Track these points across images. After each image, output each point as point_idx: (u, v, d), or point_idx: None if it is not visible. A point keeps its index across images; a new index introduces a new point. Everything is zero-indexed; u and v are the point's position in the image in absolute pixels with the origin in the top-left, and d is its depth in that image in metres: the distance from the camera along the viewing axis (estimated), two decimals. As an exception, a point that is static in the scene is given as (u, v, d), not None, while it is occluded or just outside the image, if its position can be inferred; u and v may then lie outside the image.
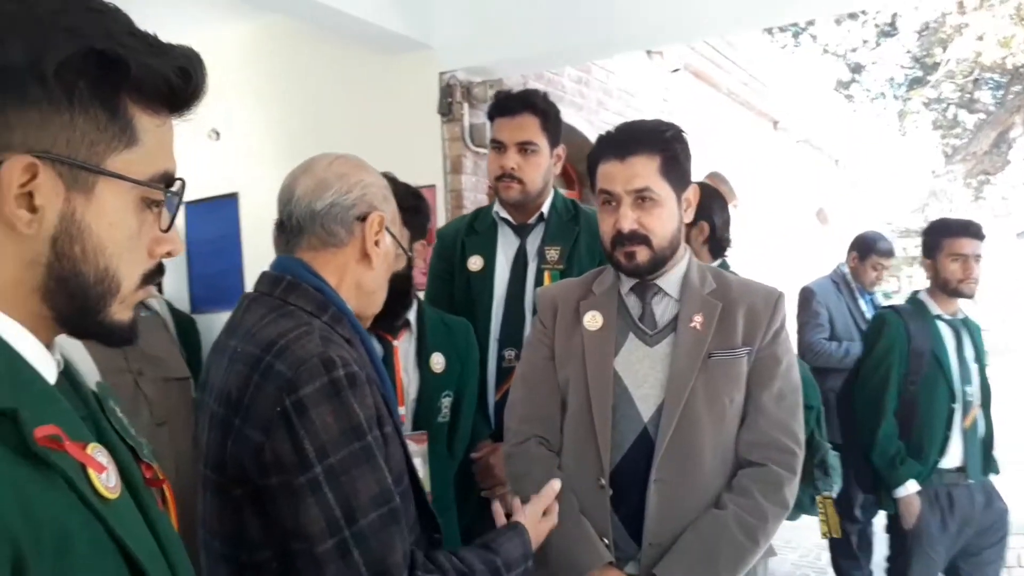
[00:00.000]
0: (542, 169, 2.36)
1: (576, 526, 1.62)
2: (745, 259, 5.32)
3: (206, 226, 4.89)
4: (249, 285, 1.38)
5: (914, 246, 16.54)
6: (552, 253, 2.36)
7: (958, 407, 2.78)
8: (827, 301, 4.06)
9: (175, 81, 0.73)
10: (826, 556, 4.20)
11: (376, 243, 1.37)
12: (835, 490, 2.43)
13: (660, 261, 1.67)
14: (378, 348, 2.05)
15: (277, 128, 4.47)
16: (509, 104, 2.36)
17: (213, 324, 1.40)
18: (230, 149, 4.69)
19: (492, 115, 2.40)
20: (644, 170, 1.62)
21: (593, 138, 1.77)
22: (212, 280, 4.90)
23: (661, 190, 1.63)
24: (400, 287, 1.91)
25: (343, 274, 1.36)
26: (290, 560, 1.18)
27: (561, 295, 1.80)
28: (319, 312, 1.29)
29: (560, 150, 2.43)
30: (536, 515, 1.47)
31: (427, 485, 1.85)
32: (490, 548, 1.35)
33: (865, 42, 15.94)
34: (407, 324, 2.09)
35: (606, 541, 1.61)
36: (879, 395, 2.86)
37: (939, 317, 2.87)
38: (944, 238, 2.85)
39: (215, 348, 1.35)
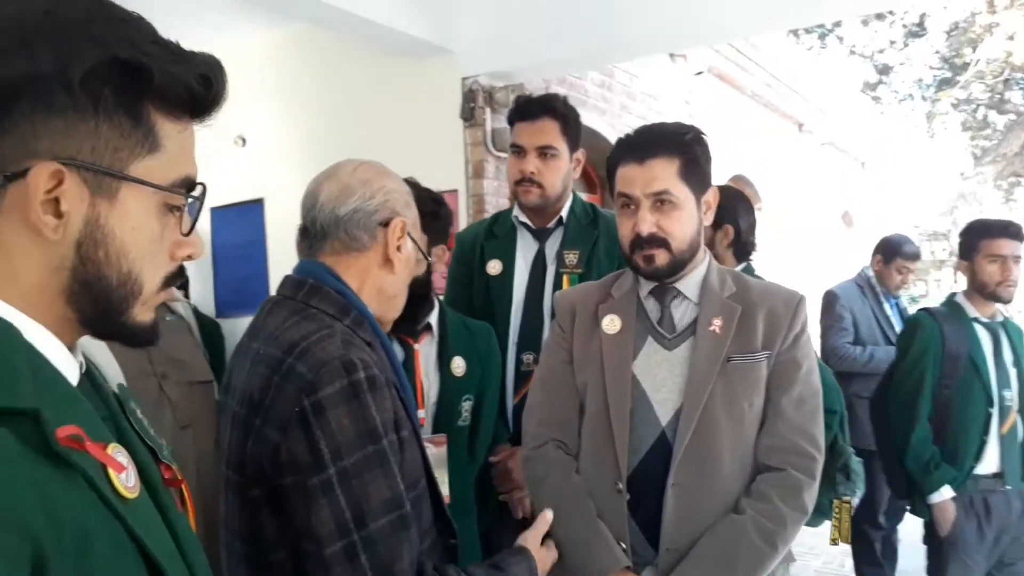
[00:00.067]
0: (562, 173, 2.37)
1: (593, 530, 1.61)
2: (770, 262, 5.28)
3: (232, 231, 4.95)
4: (274, 290, 1.41)
5: (942, 249, 16.34)
6: (571, 257, 2.36)
7: (995, 412, 2.72)
8: (851, 305, 4.02)
9: (197, 88, 0.75)
10: (849, 563, 4.15)
11: (398, 248, 1.39)
12: (858, 495, 2.40)
13: (679, 264, 1.66)
14: (399, 352, 2.06)
15: (302, 134, 4.52)
16: (529, 108, 2.37)
17: (238, 328, 1.42)
18: (256, 155, 4.75)
19: (512, 120, 2.41)
20: (663, 173, 1.62)
21: (616, 142, 1.77)
22: (237, 285, 4.96)
23: (680, 193, 1.63)
24: (419, 292, 1.93)
25: (365, 278, 1.38)
26: (303, 561, 1.20)
27: (580, 299, 1.80)
28: (341, 315, 1.31)
29: (580, 154, 2.43)
30: (536, 542, 1.49)
31: (445, 489, 1.86)
32: (499, 568, 1.36)
33: (893, 43, 15.75)
34: (429, 328, 2.11)
35: (623, 545, 1.60)
36: (913, 399, 2.81)
37: (976, 320, 2.81)
38: (982, 239, 2.80)
39: (238, 351, 1.37)
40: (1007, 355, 2.79)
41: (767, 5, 3.25)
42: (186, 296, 4.72)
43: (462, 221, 3.80)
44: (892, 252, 4.03)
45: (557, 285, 2.34)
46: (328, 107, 4.44)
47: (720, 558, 1.55)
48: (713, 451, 1.60)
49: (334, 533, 1.15)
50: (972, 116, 15.74)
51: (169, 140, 0.75)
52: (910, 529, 4.20)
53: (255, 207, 4.83)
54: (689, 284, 1.71)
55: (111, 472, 0.68)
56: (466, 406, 2.09)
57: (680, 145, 1.64)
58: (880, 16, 14.60)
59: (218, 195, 4.87)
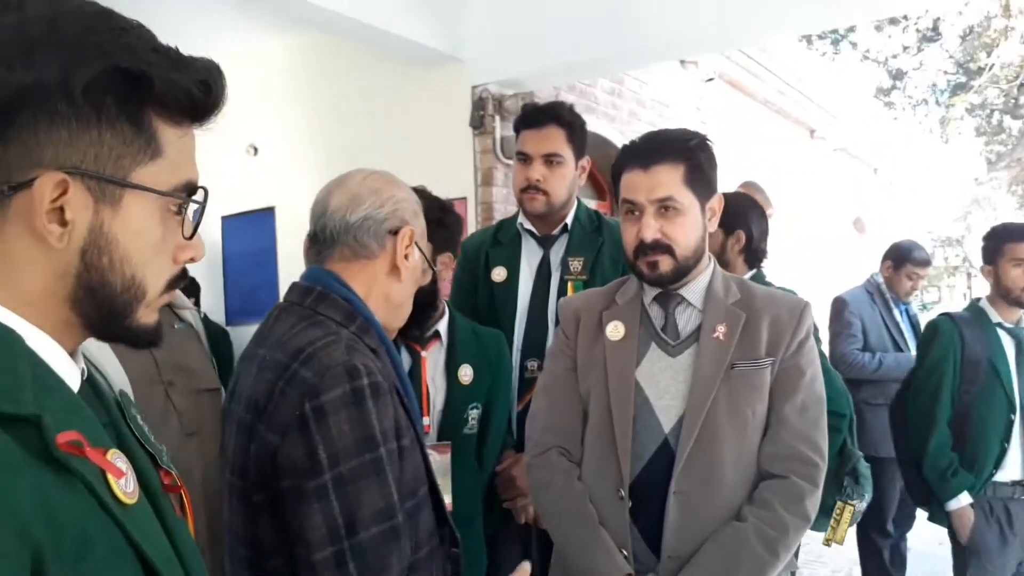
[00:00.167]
0: (567, 181, 2.37)
1: (595, 537, 1.61)
2: (781, 268, 5.27)
3: (243, 240, 4.98)
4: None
5: (955, 255, 16.23)
6: (575, 264, 2.36)
7: (1017, 418, 2.69)
8: (860, 311, 4.00)
9: (197, 94, 0.75)
10: (858, 572, 4.13)
11: (406, 257, 1.41)
12: (866, 499, 2.40)
13: (683, 271, 1.67)
14: (407, 358, 2.07)
15: (313, 143, 4.55)
16: (535, 116, 2.38)
17: (247, 336, 1.44)
18: (267, 164, 4.78)
19: (518, 127, 2.42)
20: (667, 179, 1.62)
21: (626, 150, 1.77)
22: (248, 293, 4.98)
23: (684, 199, 1.63)
24: (426, 300, 1.94)
25: (372, 285, 1.39)
26: (297, 566, 1.20)
27: (584, 305, 1.80)
28: (347, 322, 1.32)
29: (585, 162, 2.44)
30: None
31: (448, 497, 1.86)
32: None
33: (906, 48, 15.67)
34: (437, 335, 2.11)
35: (625, 552, 1.60)
36: (931, 405, 2.79)
37: (1000, 325, 2.78)
38: (1006, 243, 2.77)
39: (244, 357, 1.39)
40: None
41: (779, 11, 3.24)
42: (197, 304, 4.75)
43: (471, 228, 3.82)
44: (902, 258, 4.01)
45: (562, 292, 2.34)
46: (339, 116, 4.47)
47: (722, 565, 1.54)
48: (716, 458, 1.59)
49: (324, 539, 1.15)
50: (987, 121, 15.63)
51: (170, 146, 0.76)
52: (919, 538, 4.18)
53: (266, 215, 4.85)
54: (693, 291, 1.71)
55: (110, 478, 0.68)
56: (473, 414, 2.09)
57: (684, 151, 1.64)
58: (894, 21, 14.51)
59: (229, 203, 4.90)
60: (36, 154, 0.68)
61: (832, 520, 2.40)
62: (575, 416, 1.75)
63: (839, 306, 4.07)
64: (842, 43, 15.76)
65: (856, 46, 15.82)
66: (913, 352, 3.93)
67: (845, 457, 2.43)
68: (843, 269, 8.34)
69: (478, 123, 3.93)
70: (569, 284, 2.34)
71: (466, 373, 2.09)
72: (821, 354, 2.50)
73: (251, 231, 4.93)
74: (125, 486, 0.70)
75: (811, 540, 3.96)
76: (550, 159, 2.34)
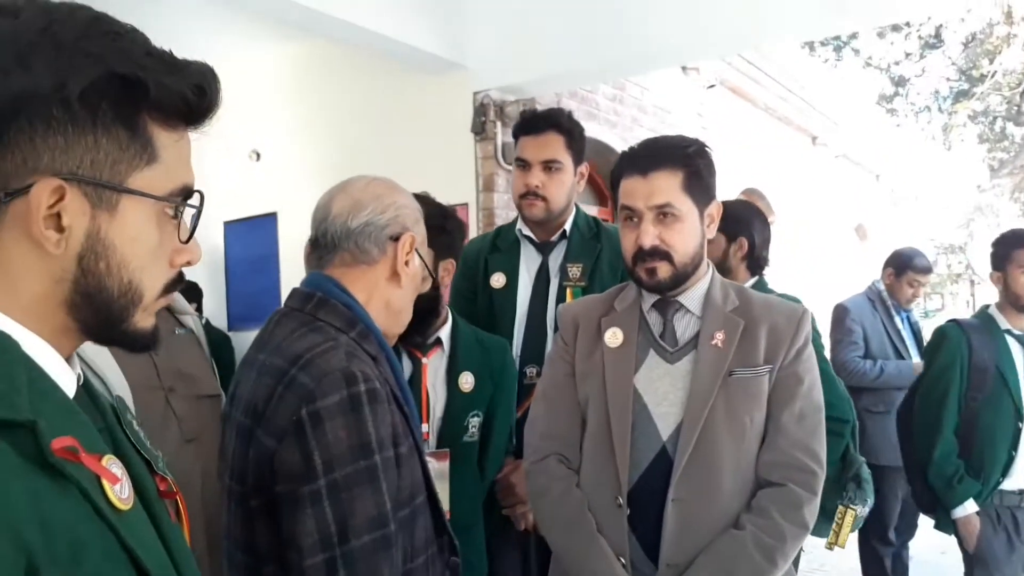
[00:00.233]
0: (566, 187, 2.38)
1: (593, 545, 1.61)
2: (783, 275, 5.26)
3: (245, 245, 4.99)
4: (285, 303, 1.43)
5: (958, 262, 16.21)
6: (574, 270, 2.37)
7: None
8: (862, 319, 3.99)
9: (192, 98, 0.76)
10: (862, 581, 4.11)
11: (406, 263, 1.41)
12: (868, 504, 2.40)
13: (682, 277, 1.66)
14: (408, 365, 2.07)
15: (316, 148, 4.56)
16: (534, 123, 2.39)
17: (249, 342, 1.45)
18: (270, 169, 4.79)
19: (517, 134, 2.43)
20: (666, 185, 1.62)
21: (628, 156, 1.77)
22: (250, 299, 4.99)
23: (683, 206, 1.63)
24: (427, 307, 1.94)
25: (372, 291, 1.40)
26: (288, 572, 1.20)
27: (583, 312, 1.80)
28: (347, 328, 1.33)
29: (584, 168, 2.45)
30: None
31: (445, 504, 1.86)
32: None
33: (909, 55, 15.68)
34: (439, 342, 2.11)
35: (623, 560, 1.60)
36: (938, 412, 2.77)
37: (1008, 332, 2.77)
38: (1015, 249, 2.75)
39: (244, 362, 1.39)
40: None
41: (780, 17, 3.25)
42: (199, 309, 4.76)
43: (472, 234, 3.82)
44: (903, 265, 4.00)
45: (560, 298, 2.34)
46: (341, 121, 4.48)
47: (720, 574, 1.54)
48: (714, 466, 1.59)
49: (316, 545, 1.15)
50: (989, 128, 15.63)
51: (166, 150, 0.76)
52: (921, 546, 4.17)
53: (268, 221, 4.87)
54: (692, 297, 1.71)
55: (105, 483, 0.69)
56: (473, 422, 2.08)
57: (683, 158, 1.65)
58: (896, 28, 14.54)
59: (232, 208, 4.92)
60: (32, 160, 0.68)
61: (834, 524, 2.40)
62: (574, 423, 1.74)
63: (840, 313, 4.06)
64: (844, 50, 15.78)
65: (858, 53, 15.84)
66: (915, 360, 3.93)
67: (848, 463, 2.44)
68: (845, 276, 8.34)
69: (480, 129, 3.94)
70: (568, 290, 2.35)
71: (467, 381, 2.08)
72: (824, 359, 2.52)
73: (253, 236, 4.94)
74: (120, 492, 0.70)
75: (812, 548, 3.95)
76: (549, 165, 2.35)
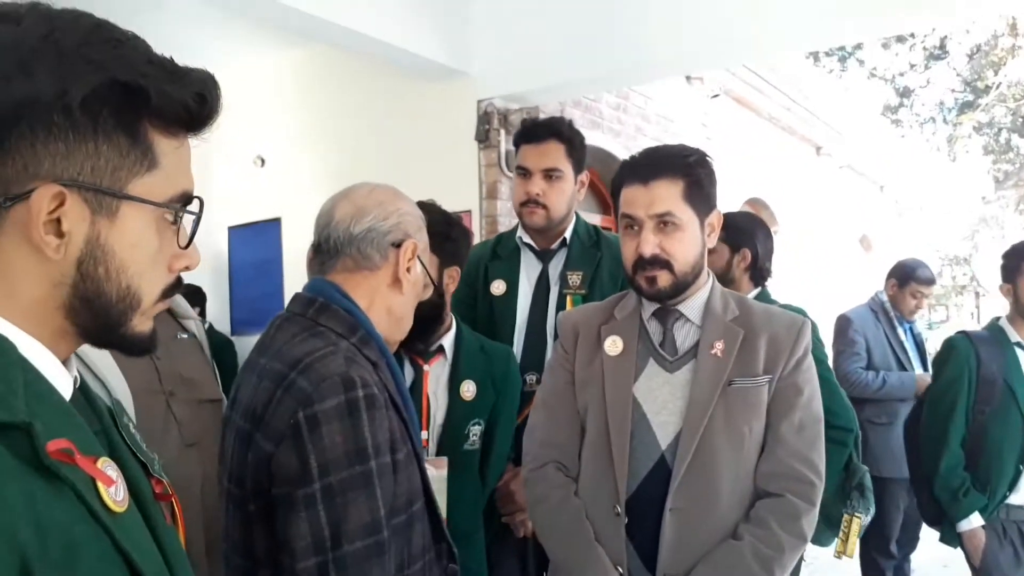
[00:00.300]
0: (566, 195, 2.39)
1: (590, 553, 1.61)
2: (787, 285, 5.25)
3: (249, 250, 5.00)
4: (288, 308, 1.44)
5: (963, 274, 16.17)
6: (574, 278, 2.37)
7: None
8: (864, 329, 3.98)
9: (192, 106, 0.76)
10: (865, 593, 4.09)
11: (408, 269, 1.42)
12: (870, 513, 2.41)
13: (682, 286, 1.67)
14: (410, 372, 2.07)
15: (320, 155, 4.58)
16: (535, 131, 2.40)
17: (252, 346, 1.46)
18: (274, 175, 4.81)
19: (518, 142, 2.44)
20: (667, 194, 1.63)
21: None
22: (253, 303, 5.00)
23: (683, 214, 1.63)
24: (430, 314, 1.94)
25: (374, 297, 1.40)
26: None
27: (582, 320, 1.80)
28: (348, 334, 1.33)
29: (584, 176, 2.46)
30: None
31: (443, 511, 1.86)
32: None
33: (913, 66, 15.71)
34: (441, 349, 2.11)
35: (620, 570, 1.59)
36: (944, 424, 2.75)
37: (1019, 344, 2.75)
38: None
39: (246, 366, 1.40)
40: None
41: (785, 28, 3.25)
42: (202, 314, 4.77)
43: (475, 242, 3.83)
44: (906, 276, 4.00)
45: (560, 306, 2.35)
46: (346, 128, 4.50)
47: None
48: (712, 475, 1.59)
49: (309, 548, 1.16)
50: (994, 140, 15.63)
51: (166, 157, 0.77)
52: (923, 559, 4.15)
53: (272, 226, 4.88)
54: (692, 306, 1.71)
55: (100, 486, 0.69)
56: (475, 430, 2.07)
57: (684, 167, 1.65)
58: (901, 39, 14.56)
59: (236, 214, 4.94)
60: (33, 166, 0.69)
61: (841, 533, 2.41)
62: (573, 431, 1.74)
63: (843, 324, 4.06)
64: (849, 60, 15.80)
65: (863, 63, 15.86)
66: (917, 371, 3.93)
67: (851, 471, 2.46)
68: (849, 287, 8.34)
69: (483, 137, 3.95)
70: (568, 298, 2.35)
71: (468, 389, 2.08)
72: (827, 368, 2.53)
73: (257, 241, 4.95)
74: (115, 494, 0.70)
75: (813, 559, 3.94)
76: (550, 174, 2.36)
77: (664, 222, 1.63)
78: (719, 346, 1.65)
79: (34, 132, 0.68)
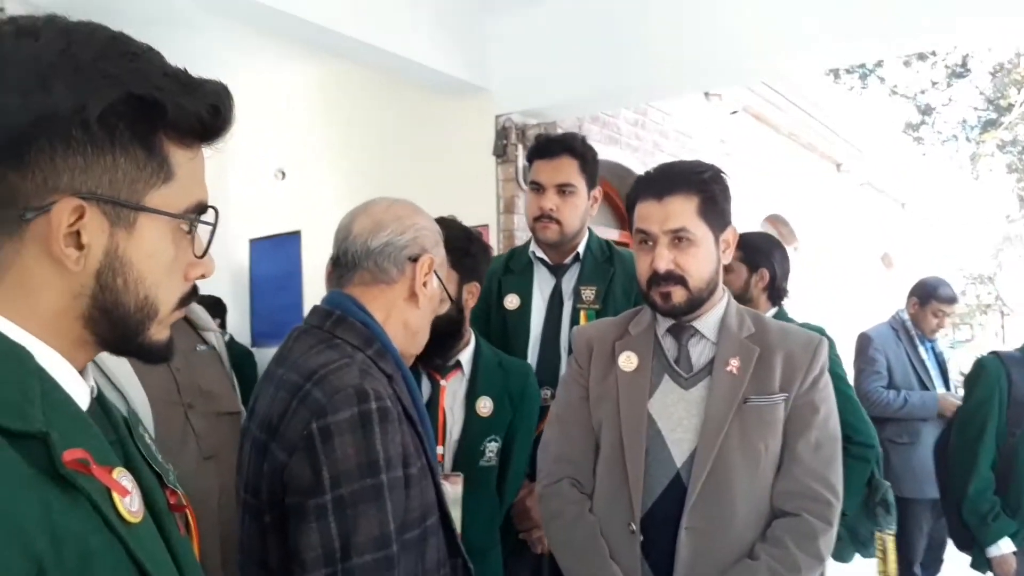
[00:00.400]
0: (580, 210, 2.40)
1: (605, 571, 1.59)
2: (807, 303, 5.22)
3: (269, 262, 5.04)
4: (307, 320, 1.45)
5: (987, 293, 15.96)
6: (588, 293, 2.38)
7: None
8: (885, 348, 3.94)
9: (207, 117, 0.77)
10: (885, 614, 4.03)
11: (424, 284, 1.43)
12: (894, 529, 2.39)
13: (697, 302, 1.66)
14: (427, 386, 2.08)
15: (340, 168, 4.61)
16: (548, 147, 2.42)
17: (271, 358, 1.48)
18: (295, 188, 4.85)
19: (531, 158, 2.46)
20: (681, 210, 1.62)
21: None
22: (273, 315, 5.03)
23: (698, 230, 1.63)
24: (448, 329, 1.95)
25: (390, 311, 1.42)
26: None
27: (597, 335, 1.80)
28: (364, 346, 1.34)
29: (597, 192, 2.47)
30: None
31: (458, 528, 1.85)
32: None
33: (935, 83, 15.61)
34: (459, 365, 2.11)
35: (635, 587, 1.58)
36: (974, 446, 2.70)
37: None
38: None
39: (264, 377, 1.42)
40: None
41: (805, 45, 3.25)
42: (223, 325, 4.80)
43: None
44: (927, 295, 3.96)
45: (574, 321, 2.35)
46: (365, 142, 4.53)
47: None
48: (728, 494, 1.57)
49: (319, 560, 1.16)
50: (1018, 158, 15.48)
51: (181, 168, 0.77)
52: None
53: (292, 239, 4.91)
54: (707, 323, 1.70)
55: (115, 496, 0.69)
56: (491, 447, 2.06)
57: (699, 183, 1.65)
58: (922, 56, 14.49)
59: (257, 226, 4.98)
60: (53, 180, 0.70)
61: (878, 552, 2.40)
62: (587, 446, 1.74)
63: (864, 343, 4.02)
64: (870, 77, 15.73)
65: (884, 81, 15.79)
66: (939, 390, 3.88)
67: (873, 487, 2.46)
68: (870, 305, 8.26)
69: (501, 152, 3.97)
70: (582, 313, 2.36)
71: (485, 405, 2.07)
72: (846, 383, 2.52)
73: (277, 254, 4.99)
74: (130, 504, 0.71)
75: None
76: (563, 189, 2.37)
77: (679, 238, 1.63)
78: (734, 363, 1.64)
79: (53, 146, 0.69)
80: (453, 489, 1.93)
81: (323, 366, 1.27)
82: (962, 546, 2.91)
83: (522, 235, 3.97)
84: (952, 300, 4.00)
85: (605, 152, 4.59)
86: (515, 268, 2.52)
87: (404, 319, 1.44)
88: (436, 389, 2.08)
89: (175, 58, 0.78)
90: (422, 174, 4.08)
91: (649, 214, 1.65)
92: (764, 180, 6.54)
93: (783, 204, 7.14)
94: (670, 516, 1.59)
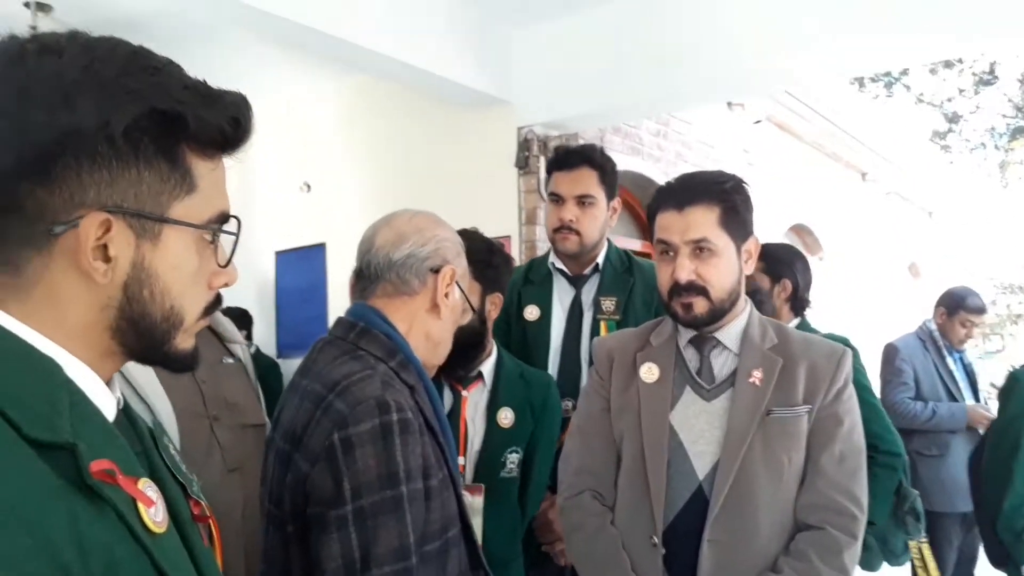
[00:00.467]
0: (599, 221, 2.40)
1: None
2: (832, 312, 5.17)
3: (295, 274, 5.08)
4: (332, 331, 1.46)
5: (1019, 302, 15.70)
6: (608, 304, 2.38)
7: None
8: (912, 359, 3.89)
9: (227, 129, 0.78)
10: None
11: (446, 295, 1.44)
12: (924, 536, 2.38)
13: (719, 313, 1.65)
14: (449, 397, 2.08)
15: (364, 181, 4.65)
16: (568, 159, 2.43)
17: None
18: (320, 201, 4.89)
19: (551, 169, 2.47)
20: (702, 220, 1.62)
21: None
22: (298, 326, 5.07)
23: (719, 241, 1.62)
24: (471, 340, 1.96)
25: (412, 322, 1.43)
26: None
27: (618, 346, 1.79)
28: (387, 358, 1.35)
29: (616, 203, 2.47)
30: None
31: (479, 539, 1.85)
32: None
33: (962, 91, 15.43)
34: (480, 376, 2.12)
35: (658, 601, 1.57)
36: (1008, 461, 2.62)
37: None
38: None
39: (289, 388, 1.43)
40: None
41: (829, 54, 3.23)
42: (249, 337, 4.84)
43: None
44: (956, 305, 3.91)
45: (594, 331, 2.35)
46: (389, 155, 4.57)
47: None
48: (751, 507, 1.56)
49: (340, 570, 1.17)
50: (1048, 166, 15.25)
51: (203, 179, 0.79)
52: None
53: (318, 251, 4.95)
54: (729, 334, 1.69)
55: (140, 506, 0.70)
56: (512, 458, 2.07)
57: (720, 193, 1.64)
58: (948, 64, 14.34)
59: (283, 239, 5.03)
60: (79, 195, 0.71)
61: (916, 561, 2.38)
62: (608, 458, 1.73)
63: (890, 353, 3.97)
64: (895, 86, 15.58)
65: (910, 89, 15.63)
66: (968, 401, 3.82)
67: (902, 496, 2.44)
68: (897, 315, 8.16)
69: (523, 163, 3.99)
70: (602, 323, 2.35)
71: (506, 416, 2.08)
72: (871, 392, 2.51)
73: (303, 266, 5.03)
74: (155, 515, 0.72)
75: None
76: (583, 200, 2.38)
77: (700, 248, 1.62)
78: (757, 375, 1.63)
79: (79, 162, 0.70)
80: (474, 500, 1.93)
81: (346, 377, 1.29)
82: (997, 563, 2.85)
83: (544, 246, 3.97)
84: (981, 310, 3.95)
85: (627, 163, 4.59)
86: (535, 279, 2.52)
87: (426, 330, 1.45)
88: (458, 400, 2.09)
89: (205, 74, 0.79)
90: (445, 186, 4.11)
91: (670, 224, 1.65)
92: (788, 189, 6.50)
93: (808, 213, 7.09)
94: (692, 529, 1.58)
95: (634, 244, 4.89)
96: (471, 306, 1.76)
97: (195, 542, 0.81)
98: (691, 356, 1.71)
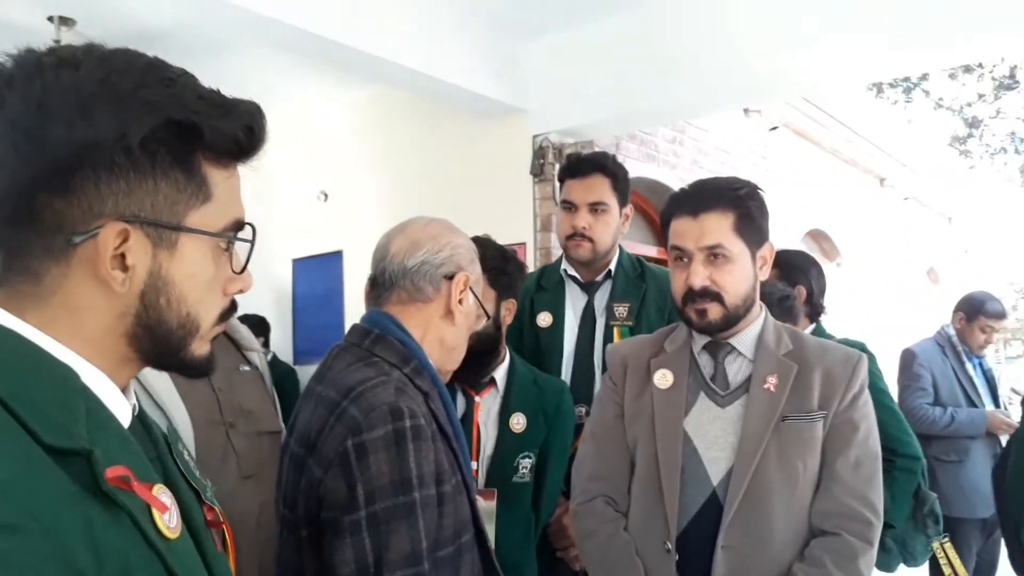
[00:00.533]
0: (612, 228, 2.41)
1: None
2: (850, 318, 5.13)
3: (312, 281, 5.11)
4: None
5: (1039, 307, 15.51)
6: (620, 310, 2.38)
7: None
8: (930, 364, 3.85)
9: (242, 138, 0.80)
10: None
11: (460, 301, 1.45)
12: (945, 535, 2.38)
13: (733, 319, 1.65)
14: (462, 402, 2.09)
15: (380, 189, 4.68)
16: (580, 166, 2.44)
17: (314, 376, 1.51)
18: (337, 209, 4.92)
19: (563, 177, 2.48)
20: (717, 226, 1.62)
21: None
22: (315, 333, 5.10)
23: (734, 247, 1.62)
24: (486, 346, 1.97)
25: (427, 328, 1.44)
26: None
27: (632, 352, 1.79)
28: (402, 364, 1.36)
29: (628, 210, 2.48)
30: None
31: (491, 543, 1.85)
32: None
33: (982, 96, 15.28)
34: (493, 381, 2.13)
35: (671, 608, 1.56)
36: None
37: None
38: None
39: (305, 393, 1.45)
40: None
41: (846, 60, 3.22)
42: (266, 344, 4.88)
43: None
44: (974, 310, 3.87)
45: (607, 338, 2.35)
46: (405, 163, 4.59)
47: None
48: (765, 513, 1.55)
49: (353, 575, 1.17)
50: (1070, 170, 15.05)
51: (218, 187, 0.80)
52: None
53: (334, 258, 4.98)
54: (744, 340, 1.69)
55: (155, 512, 0.71)
56: (524, 463, 2.07)
57: (734, 199, 1.64)
58: (968, 69, 14.20)
59: (300, 246, 5.06)
60: (98, 205, 0.72)
61: (941, 560, 2.39)
62: (622, 464, 1.73)
63: (908, 358, 3.93)
64: (914, 91, 15.45)
65: (929, 94, 15.50)
66: (988, 407, 3.78)
67: (920, 499, 2.45)
68: (916, 320, 8.09)
69: (538, 171, 4.00)
70: (615, 330, 2.36)
71: (518, 422, 2.09)
72: (888, 396, 2.51)
73: (320, 273, 5.06)
74: (169, 521, 0.73)
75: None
76: (595, 207, 2.39)
77: (714, 254, 1.62)
78: (772, 381, 1.62)
79: (97, 173, 0.72)
80: (486, 505, 1.94)
81: (360, 383, 1.30)
82: (1021, 571, 2.82)
83: (558, 253, 3.98)
84: (1001, 315, 3.90)
85: (643, 169, 4.59)
86: (547, 286, 2.53)
87: (440, 336, 1.45)
88: (471, 405, 2.10)
89: (223, 84, 0.80)
90: (461, 194, 4.13)
91: (684, 231, 1.65)
92: (805, 195, 6.47)
93: (825, 219, 7.06)
94: (706, 535, 1.57)
95: (649, 251, 4.89)
96: (485, 312, 1.77)
97: (208, 547, 0.81)
98: (705, 362, 1.71)
